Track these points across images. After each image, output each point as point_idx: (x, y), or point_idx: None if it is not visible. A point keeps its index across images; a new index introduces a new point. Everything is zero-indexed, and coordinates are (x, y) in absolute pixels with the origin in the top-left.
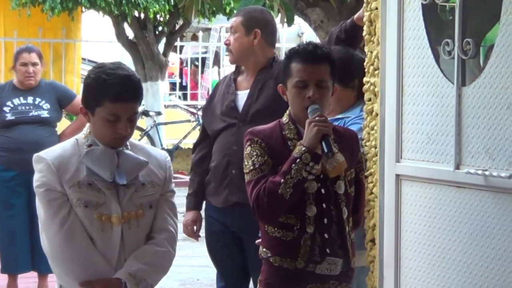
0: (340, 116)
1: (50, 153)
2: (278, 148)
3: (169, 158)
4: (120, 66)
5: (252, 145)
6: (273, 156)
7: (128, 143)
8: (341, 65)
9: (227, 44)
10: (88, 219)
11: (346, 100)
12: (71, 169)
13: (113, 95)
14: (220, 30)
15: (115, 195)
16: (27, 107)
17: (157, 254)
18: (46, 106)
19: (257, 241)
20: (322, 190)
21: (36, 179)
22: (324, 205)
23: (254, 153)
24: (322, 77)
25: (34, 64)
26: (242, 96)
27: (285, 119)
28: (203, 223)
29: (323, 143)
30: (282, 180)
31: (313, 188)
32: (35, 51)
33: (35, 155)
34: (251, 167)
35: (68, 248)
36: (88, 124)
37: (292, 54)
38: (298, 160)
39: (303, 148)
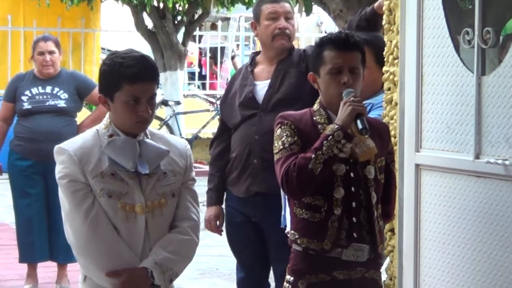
0: (369, 101)
1: (71, 144)
2: (307, 131)
3: (189, 146)
4: (133, 50)
5: (282, 127)
6: (302, 139)
7: (148, 132)
8: (384, 47)
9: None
10: (112, 209)
11: (380, 82)
12: (93, 159)
13: (131, 76)
14: (239, 19)
15: (138, 185)
16: (45, 97)
17: (182, 242)
18: (64, 95)
19: (286, 231)
20: (352, 174)
21: (59, 170)
22: (353, 189)
23: (284, 134)
24: (355, 64)
25: (51, 53)
26: (262, 87)
27: (316, 106)
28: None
29: (358, 121)
30: (313, 156)
31: (341, 170)
32: (52, 39)
33: (56, 147)
34: (281, 147)
35: (93, 239)
36: (108, 114)
37: (325, 42)
38: (330, 137)
39: (336, 126)
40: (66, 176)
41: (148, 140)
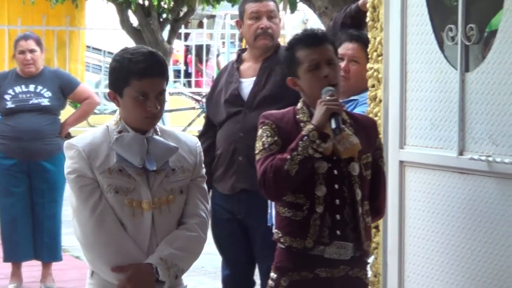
0: (355, 97)
1: (80, 140)
2: (289, 129)
3: (199, 143)
4: (142, 46)
5: (264, 127)
6: (283, 137)
7: (158, 129)
8: None
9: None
10: (119, 205)
11: None
12: (102, 155)
13: (139, 71)
14: (225, 17)
15: (146, 181)
16: (28, 95)
17: (189, 239)
18: (48, 94)
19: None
20: (335, 171)
21: (67, 166)
22: (336, 186)
23: (265, 134)
24: (330, 56)
25: (32, 51)
26: (247, 84)
27: (300, 104)
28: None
29: (332, 120)
30: (289, 157)
31: (323, 168)
32: (33, 37)
33: (65, 142)
34: (261, 147)
35: (100, 234)
36: (118, 111)
37: (295, 43)
38: (305, 137)
39: (312, 126)
40: (74, 171)
41: (156, 137)
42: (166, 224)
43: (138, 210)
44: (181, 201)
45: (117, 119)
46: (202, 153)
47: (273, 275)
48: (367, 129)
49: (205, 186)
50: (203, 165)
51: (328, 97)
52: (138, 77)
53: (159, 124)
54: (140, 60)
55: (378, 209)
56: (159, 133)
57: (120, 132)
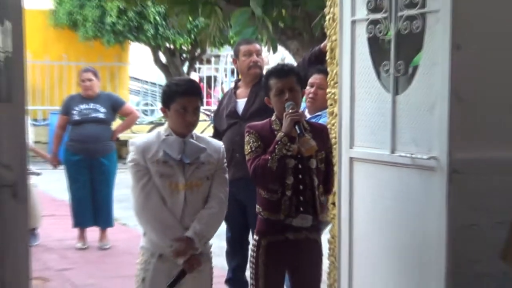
0: (320, 113)
1: (139, 140)
2: (267, 136)
3: (223, 146)
4: (184, 77)
5: (249, 135)
6: (264, 142)
7: (194, 135)
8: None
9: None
10: (162, 186)
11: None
12: (153, 150)
13: (182, 91)
14: (227, 56)
15: (182, 170)
16: (89, 111)
17: (211, 216)
18: (103, 110)
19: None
20: (299, 166)
21: (129, 156)
22: (300, 176)
23: (251, 140)
24: (292, 85)
25: (90, 80)
26: (241, 103)
27: (273, 117)
28: None
29: (297, 128)
30: (269, 157)
31: (291, 163)
32: (91, 70)
33: (130, 141)
34: (249, 150)
35: (146, 205)
36: (167, 122)
37: (269, 74)
38: (279, 142)
39: (282, 134)
40: (133, 161)
41: (191, 140)
42: (195, 200)
43: (175, 190)
44: (207, 185)
45: (166, 126)
46: (224, 152)
47: (255, 237)
48: (321, 134)
49: (226, 175)
50: (225, 160)
51: (290, 110)
52: (181, 95)
53: (197, 132)
54: (183, 84)
55: (328, 189)
56: (195, 138)
57: (167, 135)
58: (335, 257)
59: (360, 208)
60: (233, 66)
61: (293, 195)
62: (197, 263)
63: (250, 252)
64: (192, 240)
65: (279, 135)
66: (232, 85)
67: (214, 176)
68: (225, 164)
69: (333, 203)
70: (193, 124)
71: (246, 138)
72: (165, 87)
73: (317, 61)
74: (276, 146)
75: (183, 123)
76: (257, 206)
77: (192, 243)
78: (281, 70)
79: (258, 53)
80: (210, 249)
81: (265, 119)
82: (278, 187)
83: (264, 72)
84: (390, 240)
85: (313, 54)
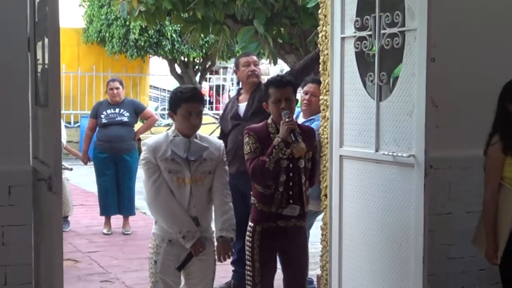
0: (313, 117)
1: (150, 140)
2: (264, 138)
3: (223, 145)
4: (189, 85)
5: (249, 137)
6: (261, 143)
7: (198, 135)
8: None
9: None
10: (170, 180)
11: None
12: (162, 150)
13: (186, 98)
14: (233, 67)
15: (187, 166)
16: (115, 115)
17: (227, 206)
18: (127, 114)
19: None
20: (290, 165)
21: (142, 155)
22: (291, 174)
23: (250, 141)
24: (288, 95)
25: (116, 88)
26: (242, 106)
27: (269, 121)
28: None
29: (292, 135)
30: (267, 159)
31: (284, 163)
32: (117, 80)
33: (142, 142)
34: (249, 150)
35: (157, 197)
36: (174, 124)
37: (269, 83)
38: (276, 146)
39: (279, 139)
40: (145, 159)
41: (195, 140)
42: (200, 192)
43: (182, 183)
44: (210, 179)
45: (174, 128)
46: (224, 150)
47: (250, 224)
48: (309, 136)
49: (226, 167)
50: (225, 156)
51: (287, 119)
52: (185, 101)
53: (201, 133)
54: (187, 92)
55: (313, 182)
56: (198, 138)
57: (174, 136)
58: (327, 242)
59: (348, 199)
60: None
61: (284, 190)
62: (202, 247)
63: (246, 237)
64: (231, 239)
65: (276, 140)
66: (236, 92)
67: (216, 170)
68: (225, 159)
69: (325, 195)
70: (197, 126)
71: (246, 139)
72: (172, 94)
73: (302, 73)
74: (273, 150)
75: (188, 125)
76: (252, 198)
77: (230, 241)
78: (280, 81)
79: (256, 64)
80: (212, 234)
81: (262, 119)
82: (272, 183)
83: (263, 80)
84: (374, 227)
85: (299, 68)
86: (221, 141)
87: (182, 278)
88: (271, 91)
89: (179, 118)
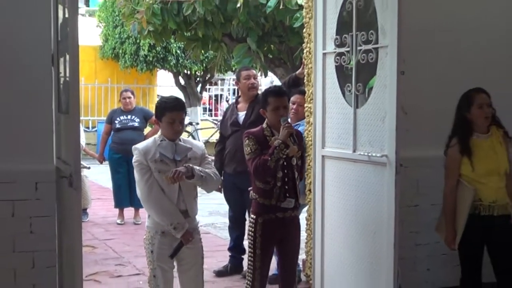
0: (299, 122)
1: (140, 145)
2: (261, 140)
3: (203, 146)
4: (172, 95)
5: (249, 140)
6: (259, 145)
7: (181, 139)
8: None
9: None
10: (160, 179)
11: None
12: (151, 153)
13: (170, 107)
14: (230, 79)
15: (175, 165)
16: (127, 121)
17: (211, 171)
18: (137, 120)
19: (249, 188)
20: (285, 163)
21: (134, 158)
22: (286, 171)
23: (250, 143)
24: (285, 103)
25: (129, 98)
26: (242, 115)
27: (265, 125)
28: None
29: (291, 138)
30: (269, 158)
31: (280, 162)
32: (129, 90)
33: (133, 147)
34: (250, 151)
35: (150, 195)
36: (160, 130)
37: (268, 92)
38: (277, 147)
39: (280, 141)
40: (137, 161)
41: (180, 143)
42: (187, 187)
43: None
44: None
45: (160, 134)
46: (205, 150)
47: (253, 216)
48: (299, 139)
49: (210, 161)
50: (207, 154)
51: (287, 124)
52: (169, 110)
53: (183, 137)
54: (170, 101)
55: (301, 177)
56: (182, 141)
57: (161, 140)
58: (311, 230)
59: (329, 193)
60: (235, 87)
61: (281, 185)
62: (191, 236)
63: (248, 228)
64: (192, 168)
65: (277, 141)
66: (233, 101)
67: (202, 162)
68: (208, 156)
69: (310, 190)
70: (180, 132)
71: (246, 142)
72: (157, 104)
73: (294, 84)
74: (275, 150)
75: (172, 131)
76: (253, 194)
77: (192, 169)
78: (278, 91)
79: (255, 77)
80: (198, 225)
81: (258, 126)
82: (271, 179)
83: (260, 91)
84: (352, 218)
85: (290, 79)
86: (201, 143)
87: (175, 263)
88: (270, 100)
89: (164, 125)
